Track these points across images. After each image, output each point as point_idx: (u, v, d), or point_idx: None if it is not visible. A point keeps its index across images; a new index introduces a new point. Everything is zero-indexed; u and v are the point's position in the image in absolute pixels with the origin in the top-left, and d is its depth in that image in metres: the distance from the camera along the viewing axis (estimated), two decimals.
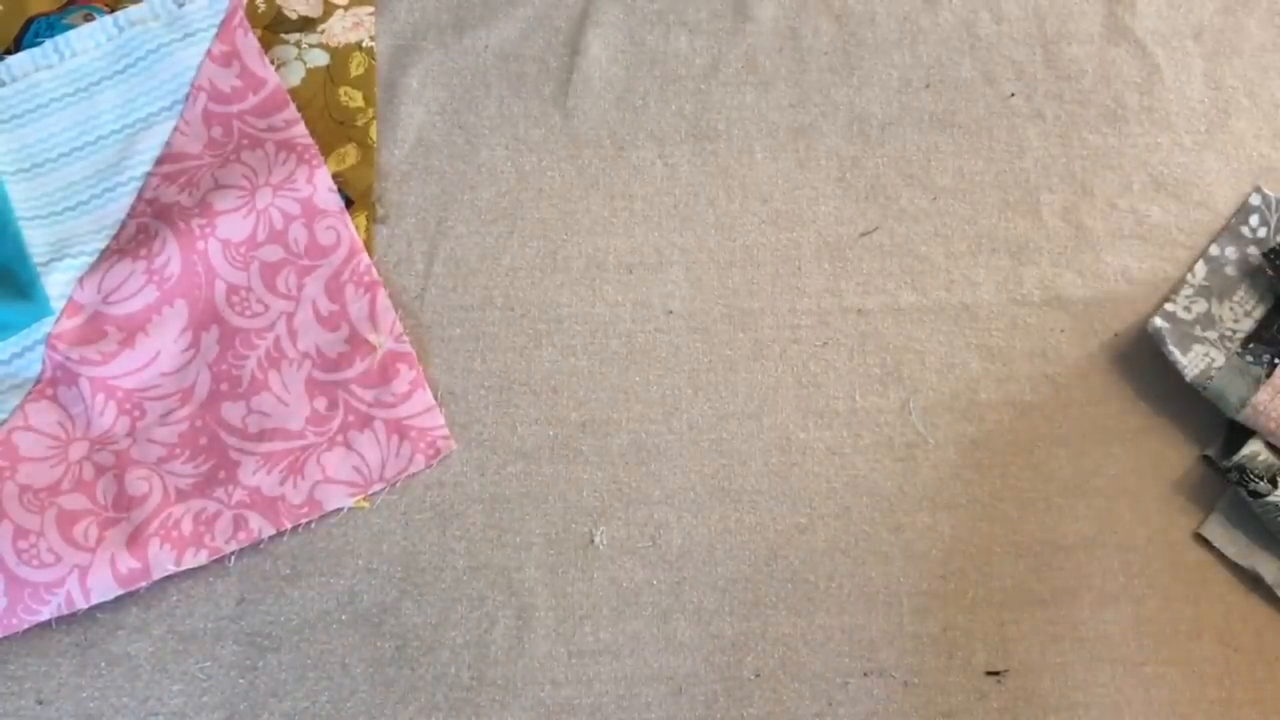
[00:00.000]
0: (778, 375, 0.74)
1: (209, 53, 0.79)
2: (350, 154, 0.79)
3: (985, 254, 0.77)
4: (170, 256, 0.73)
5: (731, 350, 0.75)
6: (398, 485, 0.72)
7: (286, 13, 0.82)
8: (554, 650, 0.68)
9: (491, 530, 0.71)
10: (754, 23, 0.82)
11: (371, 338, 0.74)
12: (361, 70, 0.81)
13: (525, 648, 0.68)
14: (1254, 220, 0.76)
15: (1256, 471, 0.68)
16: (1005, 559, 0.71)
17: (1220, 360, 0.71)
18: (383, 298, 0.74)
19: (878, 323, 0.75)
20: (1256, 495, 0.67)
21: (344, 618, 0.69)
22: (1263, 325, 0.73)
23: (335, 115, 0.80)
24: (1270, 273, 0.68)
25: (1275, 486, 0.67)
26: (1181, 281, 0.75)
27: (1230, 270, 0.75)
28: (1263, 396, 0.68)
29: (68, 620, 0.67)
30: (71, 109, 0.78)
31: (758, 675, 0.68)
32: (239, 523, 0.69)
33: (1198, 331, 0.73)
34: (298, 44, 0.81)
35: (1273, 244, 0.75)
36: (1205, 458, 0.71)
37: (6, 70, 0.78)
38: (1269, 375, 0.69)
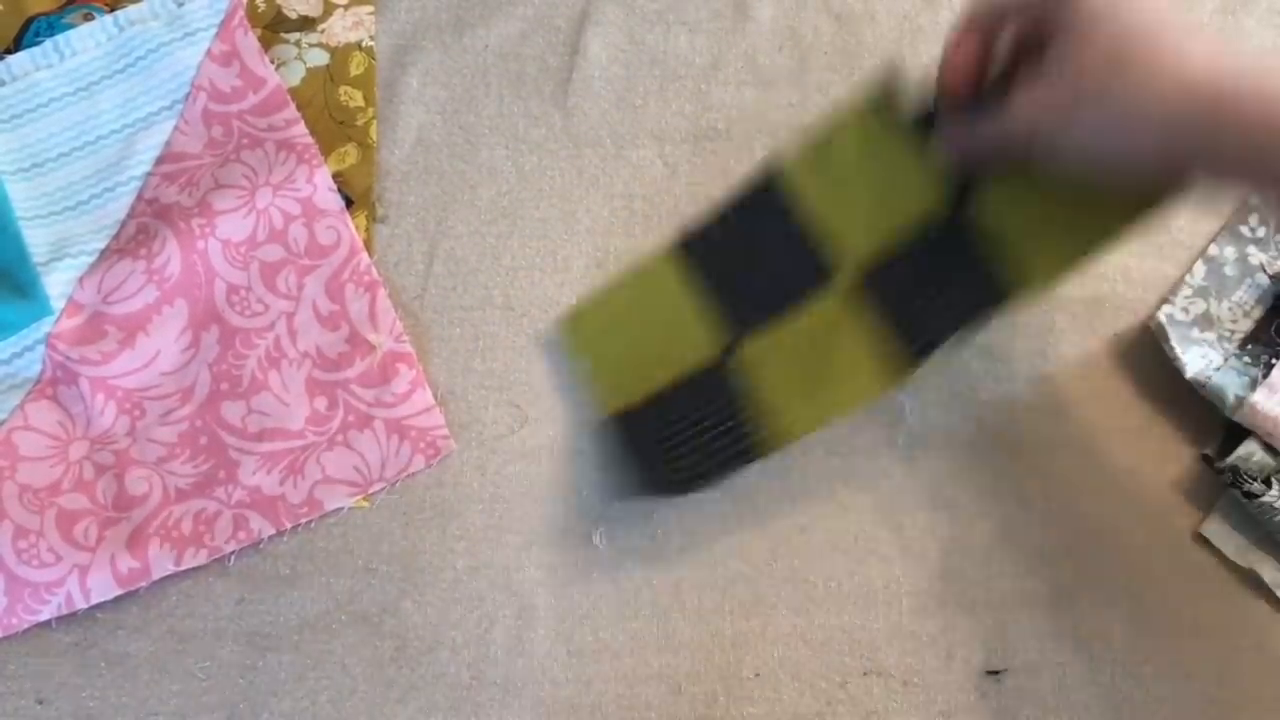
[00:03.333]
0: None
1: (209, 52, 0.79)
2: (350, 154, 0.79)
3: None
4: (170, 256, 0.73)
5: None
6: (398, 485, 0.72)
7: (286, 12, 0.82)
8: (554, 650, 0.68)
9: (491, 530, 0.71)
10: (754, 22, 0.82)
11: (371, 337, 0.74)
12: (361, 70, 0.81)
13: (525, 647, 0.68)
14: (1253, 219, 0.77)
15: (1251, 472, 0.68)
16: (1005, 559, 0.71)
17: (1218, 360, 0.71)
18: (383, 297, 0.74)
19: None
20: (1251, 496, 0.67)
21: (344, 618, 0.69)
22: (1261, 326, 0.73)
23: (335, 115, 0.80)
24: None
25: (1270, 487, 0.67)
26: (1180, 282, 0.75)
27: (1229, 270, 0.75)
28: (1259, 396, 0.68)
29: (68, 620, 0.68)
30: (71, 109, 0.78)
31: (757, 675, 0.68)
32: (239, 523, 0.69)
33: (1195, 334, 0.73)
34: (297, 43, 0.81)
35: (1273, 243, 0.76)
36: (1205, 457, 0.71)
37: (6, 70, 0.78)
38: (1266, 376, 0.69)
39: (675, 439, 0.69)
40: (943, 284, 0.65)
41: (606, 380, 0.73)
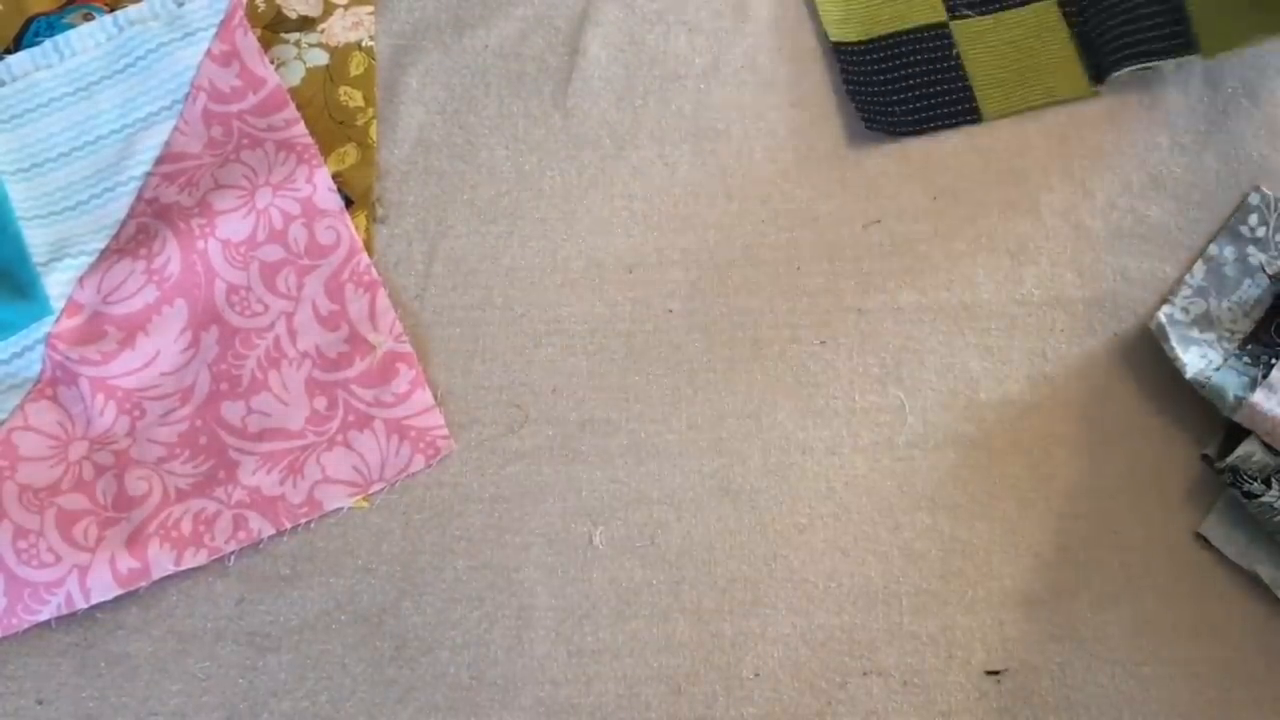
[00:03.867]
0: (777, 375, 0.74)
1: (209, 52, 0.79)
2: (350, 154, 0.79)
3: (985, 254, 0.77)
4: (170, 256, 0.73)
5: (731, 350, 0.75)
6: (398, 485, 0.72)
7: (286, 12, 0.82)
8: (553, 650, 0.68)
9: (491, 530, 0.71)
10: (754, 23, 0.82)
11: (371, 337, 0.74)
12: (361, 70, 0.81)
13: (525, 647, 0.68)
14: (1253, 220, 0.77)
15: (1250, 473, 0.68)
16: (1005, 559, 0.71)
17: (1218, 360, 0.71)
18: (382, 297, 0.74)
19: (877, 322, 0.75)
20: (1251, 496, 0.67)
21: (344, 618, 0.69)
22: (1261, 326, 0.73)
23: (335, 115, 0.80)
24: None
25: (1269, 487, 0.67)
26: (1180, 282, 0.75)
27: (1229, 270, 0.75)
28: (1258, 397, 0.68)
29: (68, 620, 0.68)
30: (71, 109, 0.78)
31: (757, 675, 0.68)
32: (239, 523, 0.69)
33: (1195, 334, 0.73)
34: (297, 43, 0.81)
35: (1272, 243, 0.76)
36: (1205, 457, 0.71)
37: (6, 70, 0.78)
38: (1266, 376, 0.69)
39: (894, 84, 0.79)
40: (1135, 19, 0.77)
41: (836, 10, 0.82)
